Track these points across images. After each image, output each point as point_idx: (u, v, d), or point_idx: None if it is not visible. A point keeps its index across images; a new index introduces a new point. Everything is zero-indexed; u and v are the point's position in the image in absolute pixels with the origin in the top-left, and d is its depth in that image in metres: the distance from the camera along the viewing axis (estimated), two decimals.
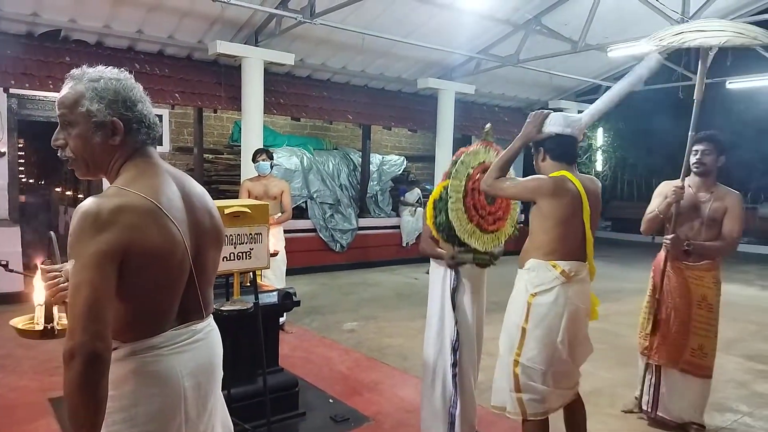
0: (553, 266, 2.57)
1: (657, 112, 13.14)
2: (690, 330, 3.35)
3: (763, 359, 5.00)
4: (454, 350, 2.99)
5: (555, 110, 2.76)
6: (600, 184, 2.76)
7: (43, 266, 1.51)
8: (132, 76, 1.48)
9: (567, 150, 2.68)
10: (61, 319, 1.61)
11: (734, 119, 12.95)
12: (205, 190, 1.58)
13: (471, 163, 2.91)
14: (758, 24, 3.38)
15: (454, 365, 2.98)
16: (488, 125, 3.08)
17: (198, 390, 1.46)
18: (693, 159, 3.28)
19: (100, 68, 1.44)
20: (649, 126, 13.96)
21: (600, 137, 15.82)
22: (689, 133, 3.08)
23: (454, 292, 3.02)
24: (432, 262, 3.22)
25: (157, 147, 1.54)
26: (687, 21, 5.98)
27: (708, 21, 3.08)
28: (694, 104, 3.06)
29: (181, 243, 1.38)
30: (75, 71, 1.43)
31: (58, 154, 1.45)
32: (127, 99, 1.41)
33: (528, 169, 2.83)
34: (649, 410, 3.51)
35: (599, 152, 16.01)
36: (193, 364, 1.45)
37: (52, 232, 1.74)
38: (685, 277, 3.37)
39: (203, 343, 1.50)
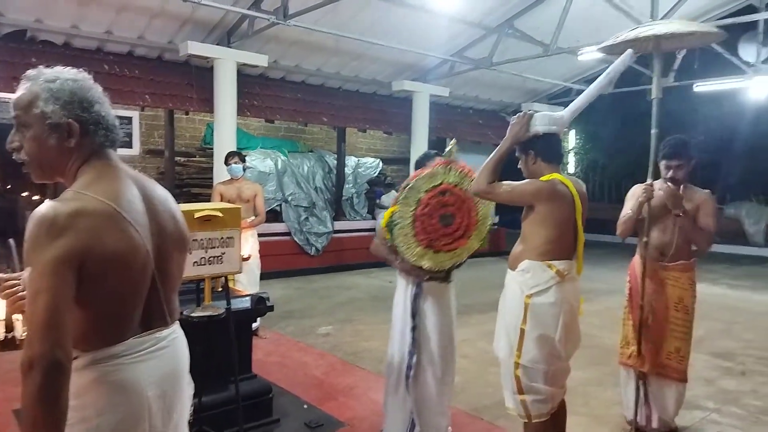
0: (549, 266, 2.58)
1: (626, 115, 13.43)
2: (667, 333, 3.32)
3: (729, 356, 5.12)
4: (410, 354, 3.02)
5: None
6: (584, 185, 2.77)
7: (0, 276, 1.46)
8: (91, 76, 1.43)
9: (556, 149, 2.71)
10: (23, 328, 1.55)
11: (701, 121, 13.29)
12: (168, 193, 1.55)
13: (423, 188, 2.89)
14: (724, 27, 3.46)
15: (408, 368, 3.01)
16: (452, 142, 3.03)
17: (163, 399, 1.42)
18: (667, 175, 3.27)
19: (58, 68, 1.40)
20: (619, 129, 14.24)
21: (572, 140, 16.07)
22: (652, 131, 3.09)
23: (416, 297, 3.03)
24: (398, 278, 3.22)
25: (127, 150, 1.50)
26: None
27: (663, 21, 3.14)
28: (653, 102, 3.09)
29: (143, 248, 1.35)
30: (31, 72, 1.38)
31: (13, 157, 1.41)
32: (84, 100, 1.37)
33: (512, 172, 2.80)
34: (645, 424, 3.40)
35: (571, 154, 16.26)
36: (158, 372, 1.41)
37: (11, 240, 1.68)
38: (661, 278, 3.34)
39: (168, 351, 1.46)
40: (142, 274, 1.36)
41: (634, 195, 3.40)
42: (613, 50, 3.13)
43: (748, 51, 9.01)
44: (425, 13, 7.38)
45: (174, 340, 1.50)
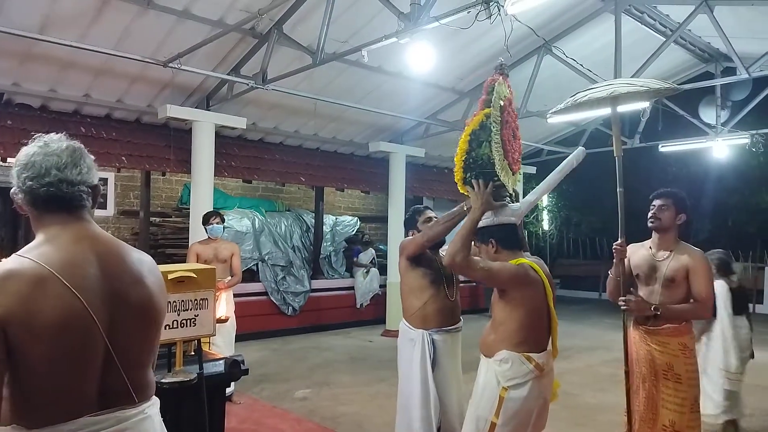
0: (528, 359, 2.49)
1: (597, 174, 13.79)
2: (659, 404, 3.04)
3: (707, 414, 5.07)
4: (437, 415, 2.94)
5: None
6: (545, 266, 2.71)
7: None
8: (67, 141, 1.44)
9: (516, 237, 2.70)
10: None
11: (671, 180, 13.74)
12: (143, 258, 1.47)
13: (502, 93, 2.67)
14: (684, 92, 3.63)
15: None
16: (501, 59, 2.86)
17: None
18: (648, 213, 3.18)
19: (40, 139, 1.42)
20: (591, 187, 14.63)
21: (545, 198, 16.40)
22: (617, 189, 3.07)
23: (432, 369, 2.98)
24: (402, 340, 3.18)
25: (101, 211, 1.49)
26: None
27: (616, 80, 3.28)
28: (616, 161, 3.09)
29: (84, 315, 1.25)
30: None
31: None
32: (41, 168, 1.37)
33: None
34: None
35: (545, 212, 16.57)
36: None
37: None
38: (648, 343, 3.10)
39: None
40: (85, 344, 1.26)
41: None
42: (570, 111, 3.21)
43: (708, 114, 9.48)
44: (400, 78, 7.64)
45: (141, 422, 1.37)
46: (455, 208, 3.04)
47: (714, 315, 4.15)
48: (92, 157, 1.47)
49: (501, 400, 2.47)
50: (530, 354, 2.50)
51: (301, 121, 8.63)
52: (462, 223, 2.66)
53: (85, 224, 1.40)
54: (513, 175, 2.79)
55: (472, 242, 2.58)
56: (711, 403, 4.23)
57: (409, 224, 3.36)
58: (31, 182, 1.35)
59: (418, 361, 3.03)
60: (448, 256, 2.51)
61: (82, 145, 1.46)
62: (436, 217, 3.30)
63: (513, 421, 2.46)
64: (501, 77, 2.77)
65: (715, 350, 4.34)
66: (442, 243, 3.27)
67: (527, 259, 2.60)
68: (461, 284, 3.51)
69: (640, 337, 3.15)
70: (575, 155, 2.94)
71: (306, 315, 9.33)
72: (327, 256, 10.41)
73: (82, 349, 1.26)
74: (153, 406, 1.43)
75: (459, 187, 2.79)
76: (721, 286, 4.23)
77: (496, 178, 2.61)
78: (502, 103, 2.68)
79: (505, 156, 2.66)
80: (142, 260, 1.45)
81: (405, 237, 3.37)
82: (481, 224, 2.61)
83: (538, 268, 2.58)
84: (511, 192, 2.76)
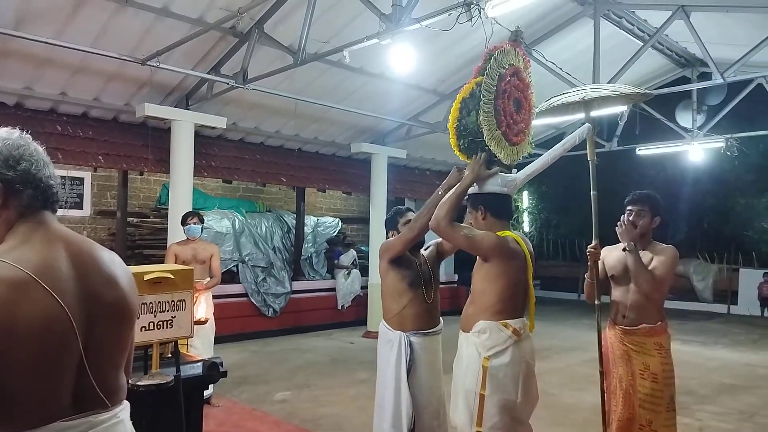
0: (505, 326, 2.53)
1: (576, 176, 13.96)
2: (635, 403, 3.06)
3: (682, 412, 5.16)
4: (409, 418, 2.92)
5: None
6: (530, 244, 2.80)
7: None
8: (29, 135, 1.37)
9: (506, 208, 2.74)
10: None
11: (648, 183, 13.95)
12: (114, 258, 1.43)
13: (503, 62, 2.62)
14: (662, 96, 3.71)
15: None
16: (517, 27, 2.81)
17: None
18: (623, 218, 3.19)
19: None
20: (570, 189, 14.80)
21: (525, 200, 16.56)
22: (591, 193, 3.10)
23: (409, 371, 2.97)
24: (381, 342, 3.17)
25: (77, 211, 1.44)
26: None
27: (589, 86, 3.31)
28: (590, 165, 3.13)
29: (64, 318, 1.22)
30: None
31: None
32: (10, 158, 1.29)
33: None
34: None
35: (525, 213, 16.71)
36: None
37: None
38: (624, 343, 3.14)
39: None
40: (63, 348, 1.23)
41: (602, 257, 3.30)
42: (545, 115, 3.26)
43: (684, 118, 9.65)
44: (382, 79, 7.64)
45: (114, 426, 1.33)
46: (431, 197, 3.03)
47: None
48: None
49: (485, 370, 2.49)
50: (507, 321, 2.54)
51: (282, 122, 8.58)
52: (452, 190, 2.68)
53: (54, 224, 1.36)
54: (514, 146, 2.75)
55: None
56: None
57: (390, 225, 3.34)
58: (9, 172, 1.29)
59: (394, 363, 3.04)
60: (434, 219, 2.56)
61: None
62: None
63: (501, 389, 2.48)
64: (512, 46, 2.74)
65: None
66: (422, 243, 3.27)
67: (513, 233, 2.64)
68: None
69: (617, 337, 3.19)
70: (580, 131, 2.95)
71: (286, 316, 9.27)
72: (308, 258, 10.37)
73: (60, 352, 1.23)
74: (125, 410, 1.40)
75: (457, 154, 2.80)
76: None
77: (487, 147, 2.61)
78: (503, 71, 2.63)
79: (499, 126, 2.62)
80: (113, 260, 1.41)
81: (386, 238, 3.35)
82: (472, 190, 2.64)
83: (521, 242, 2.62)
84: (508, 163, 2.74)
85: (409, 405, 2.94)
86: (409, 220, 3.22)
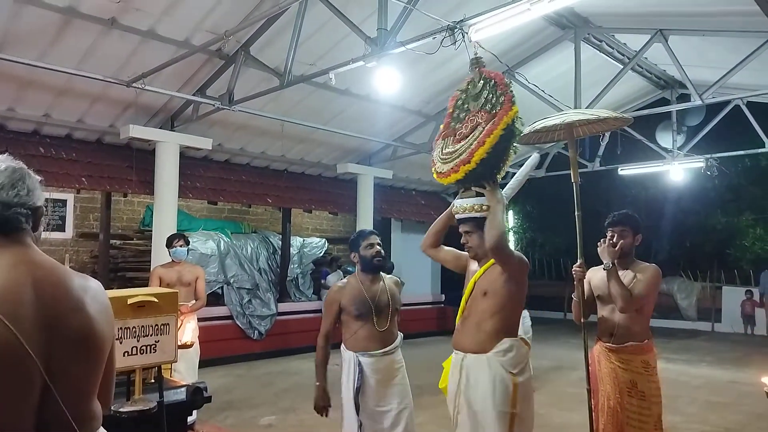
0: (524, 342, 2.60)
1: (561, 196, 14.14)
2: (623, 421, 3.05)
3: (669, 430, 5.16)
4: None
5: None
6: None
7: None
8: (10, 161, 1.36)
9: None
10: None
11: (630, 202, 14.17)
12: (88, 284, 1.39)
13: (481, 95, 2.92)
14: (642, 117, 3.79)
15: None
16: (476, 53, 2.99)
17: None
18: (604, 239, 3.20)
19: None
20: (555, 209, 14.97)
21: (511, 219, 16.67)
22: (575, 213, 3.13)
23: (358, 393, 3.01)
24: (344, 358, 3.21)
25: (59, 233, 1.40)
26: None
27: (570, 111, 3.40)
28: (574, 186, 3.17)
29: (16, 345, 1.19)
30: None
31: None
32: None
33: None
34: None
35: (511, 233, 16.81)
36: None
37: None
38: (611, 361, 3.15)
39: None
40: (18, 377, 1.20)
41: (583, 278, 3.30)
42: (528, 139, 3.30)
43: (665, 138, 9.83)
44: (368, 101, 7.70)
45: None
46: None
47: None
48: (39, 178, 1.41)
49: (516, 387, 2.50)
50: (521, 336, 2.61)
51: (267, 143, 8.59)
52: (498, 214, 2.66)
53: (23, 248, 1.33)
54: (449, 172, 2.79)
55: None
56: None
57: (353, 246, 3.31)
58: None
59: (345, 381, 3.14)
60: (495, 239, 2.52)
61: (25, 166, 1.38)
62: (379, 244, 3.28)
63: (526, 405, 2.52)
64: (477, 71, 2.92)
65: None
66: (382, 268, 3.28)
67: None
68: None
69: (604, 355, 3.20)
70: (531, 162, 3.08)
71: (272, 339, 9.15)
72: (294, 279, 10.29)
73: (14, 381, 1.20)
74: None
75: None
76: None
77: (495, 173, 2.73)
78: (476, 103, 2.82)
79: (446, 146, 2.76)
80: (85, 286, 1.37)
81: (350, 254, 3.36)
82: (478, 214, 2.68)
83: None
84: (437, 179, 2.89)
85: (355, 423, 3.03)
86: (371, 244, 3.22)
